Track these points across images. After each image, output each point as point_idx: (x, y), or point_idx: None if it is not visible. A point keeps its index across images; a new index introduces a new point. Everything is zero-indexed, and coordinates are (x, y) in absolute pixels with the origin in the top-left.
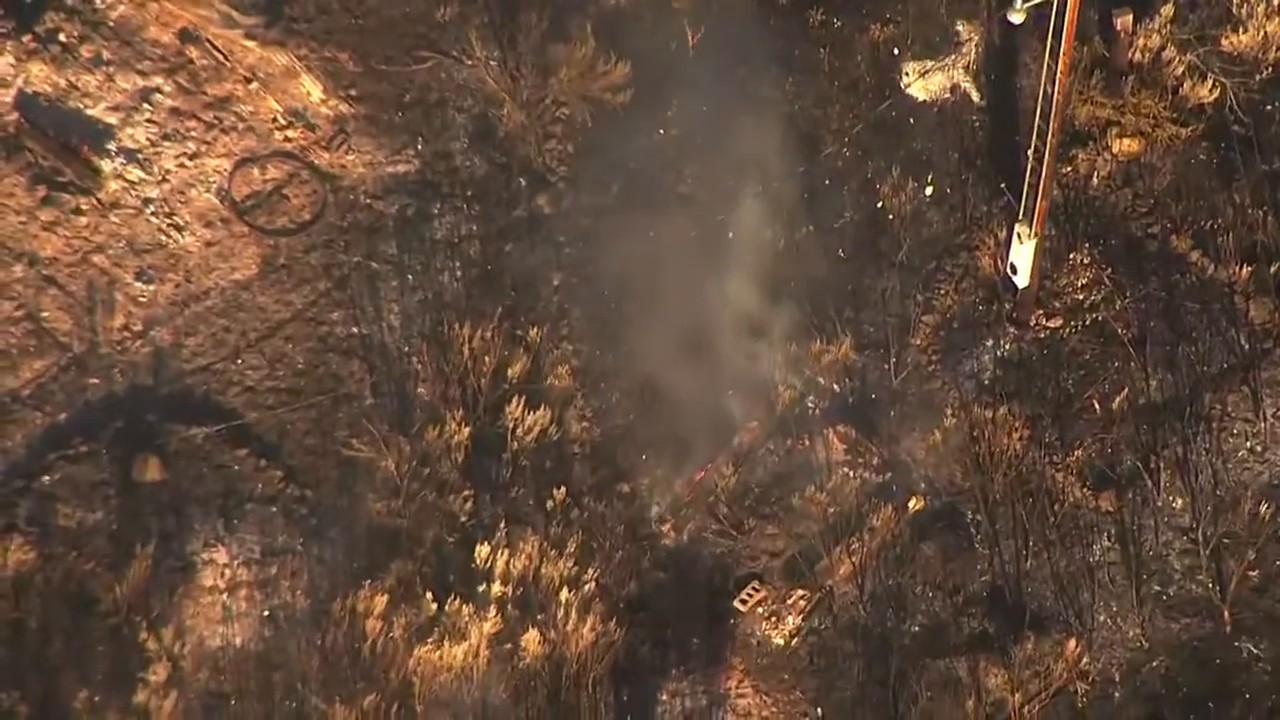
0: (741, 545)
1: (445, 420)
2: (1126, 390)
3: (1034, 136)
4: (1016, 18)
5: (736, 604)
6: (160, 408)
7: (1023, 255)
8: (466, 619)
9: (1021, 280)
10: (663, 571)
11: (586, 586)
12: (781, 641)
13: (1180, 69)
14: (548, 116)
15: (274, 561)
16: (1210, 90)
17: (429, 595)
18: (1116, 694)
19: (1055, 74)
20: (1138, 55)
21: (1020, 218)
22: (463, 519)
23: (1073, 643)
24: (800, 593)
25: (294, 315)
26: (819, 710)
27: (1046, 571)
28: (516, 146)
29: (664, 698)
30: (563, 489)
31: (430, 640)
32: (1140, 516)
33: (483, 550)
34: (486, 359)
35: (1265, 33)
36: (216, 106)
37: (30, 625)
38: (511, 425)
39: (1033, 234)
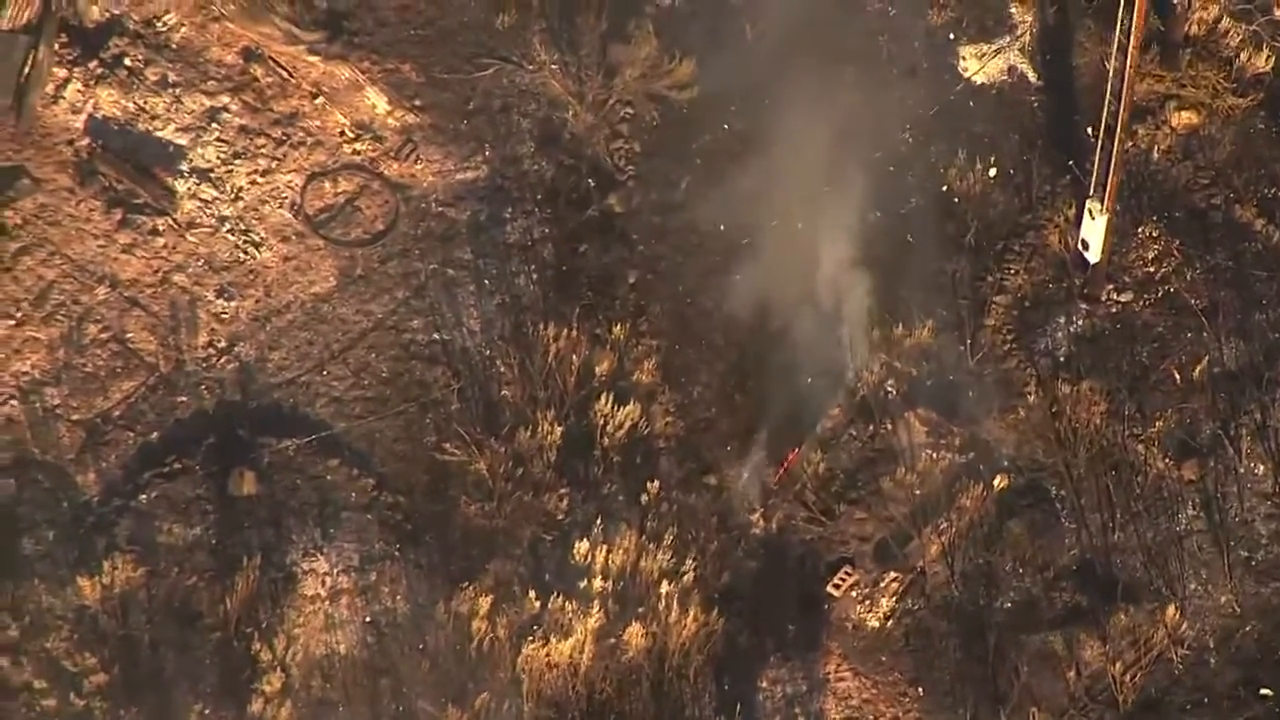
0: (831, 531)
1: (537, 421)
2: (1205, 360)
3: (1104, 112)
4: None
5: (830, 589)
6: (250, 422)
7: (1094, 231)
8: (570, 615)
9: (1093, 256)
10: (754, 561)
11: (686, 577)
12: (876, 624)
13: (1236, 39)
14: (614, 116)
15: (373, 568)
16: (1266, 60)
17: (532, 594)
18: (1212, 660)
19: (1128, 48)
20: (1194, 28)
21: (1090, 194)
22: (560, 517)
23: (1171, 609)
24: (892, 575)
25: (375, 325)
26: (920, 689)
27: (1134, 543)
28: (583, 148)
29: (764, 685)
30: (656, 483)
31: (537, 638)
32: (1224, 484)
33: (581, 547)
34: (574, 358)
35: None
36: (284, 123)
37: (141, 642)
38: (601, 422)
39: (1104, 210)
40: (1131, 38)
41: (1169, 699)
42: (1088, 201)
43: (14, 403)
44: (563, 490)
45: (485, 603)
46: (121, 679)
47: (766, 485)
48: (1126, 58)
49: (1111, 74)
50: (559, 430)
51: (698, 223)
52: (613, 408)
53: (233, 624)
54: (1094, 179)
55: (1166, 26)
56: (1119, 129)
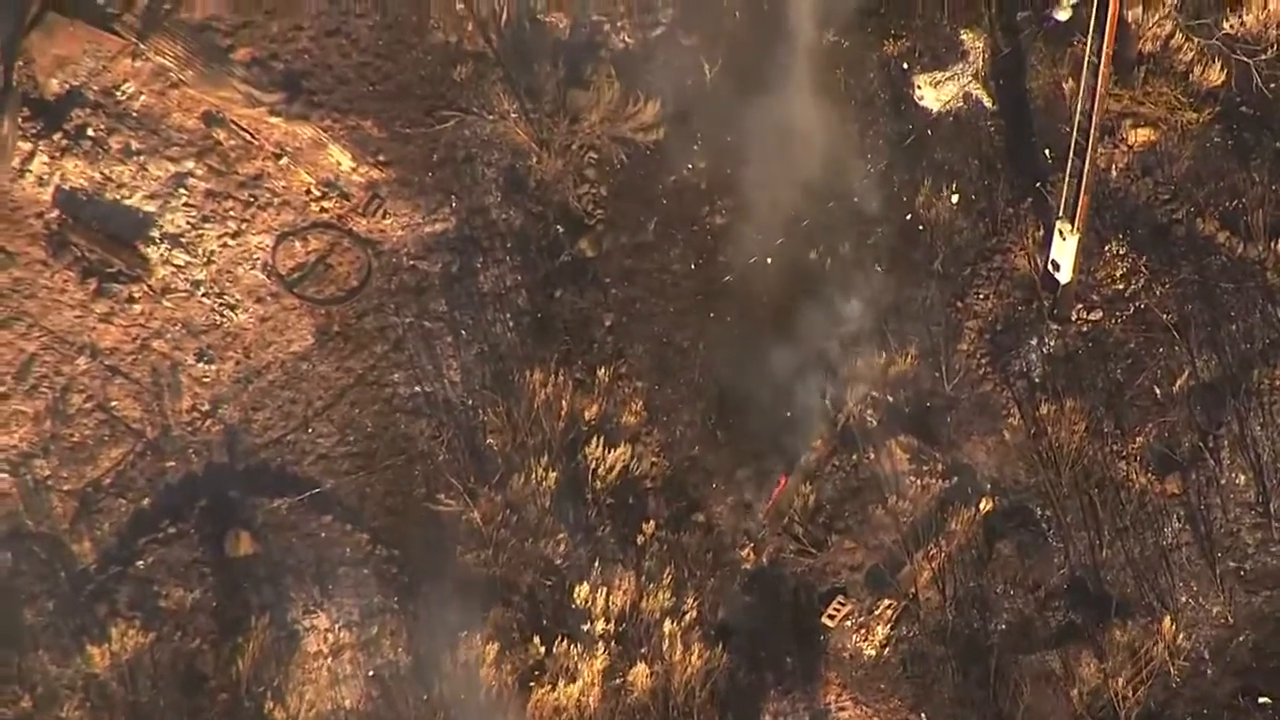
0: (822, 562)
1: (530, 467)
2: (1186, 373)
3: (1073, 132)
4: (1063, 14)
5: (825, 620)
6: (240, 483)
7: (1065, 252)
8: (575, 659)
9: (1064, 276)
10: (748, 595)
11: (687, 615)
12: (873, 652)
13: (1190, 55)
14: (579, 161)
15: (373, 622)
16: (1220, 73)
17: (537, 639)
18: (1209, 671)
19: (1098, 68)
20: (1148, 45)
21: (1059, 215)
22: (558, 562)
23: (1166, 622)
24: (885, 602)
25: (356, 380)
26: (922, 715)
27: (1123, 559)
28: (550, 194)
29: (767, 718)
30: (651, 523)
31: (545, 682)
32: (1207, 496)
33: (582, 590)
34: (563, 402)
35: (1269, 11)
36: (250, 185)
37: (153, 707)
38: (593, 465)
39: (1075, 230)
40: (1103, 57)
41: (1169, 711)
42: (1057, 222)
43: (4, 476)
44: (560, 535)
45: (491, 650)
46: None
47: (755, 520)
48: (1097, 77)
49: (1082, 93)
50: (553, 476)
51: (670, 263)
52: (604, 451)
53: (243, 685)
54: (1062, 200)
55: (1120, 45)
56: (1090, 147)
